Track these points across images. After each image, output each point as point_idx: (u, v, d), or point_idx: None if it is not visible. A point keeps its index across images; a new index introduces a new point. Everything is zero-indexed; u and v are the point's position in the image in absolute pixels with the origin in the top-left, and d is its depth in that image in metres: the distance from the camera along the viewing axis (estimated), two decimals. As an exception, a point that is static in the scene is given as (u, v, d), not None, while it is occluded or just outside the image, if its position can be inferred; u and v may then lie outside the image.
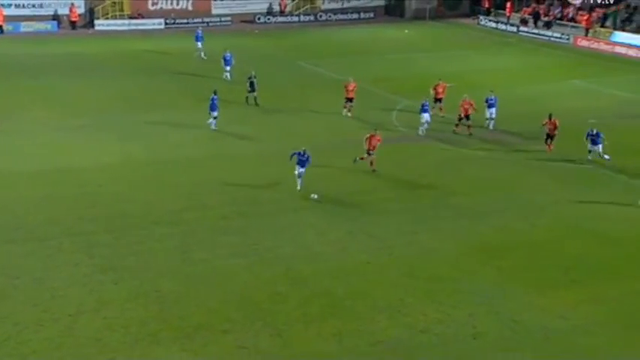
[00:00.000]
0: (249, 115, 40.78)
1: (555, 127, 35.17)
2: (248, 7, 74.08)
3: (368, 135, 33.27)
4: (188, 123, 40.50)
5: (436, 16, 74.90)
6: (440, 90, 40.58)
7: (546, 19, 66.73)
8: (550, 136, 35.35)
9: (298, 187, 30.69)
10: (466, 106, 37.98)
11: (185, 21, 70.78)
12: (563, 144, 36.75)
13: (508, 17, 69.85)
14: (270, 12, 74.30)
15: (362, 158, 33.12)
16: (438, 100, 40.44)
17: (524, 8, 69.47)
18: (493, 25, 70.37)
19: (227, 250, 26.47)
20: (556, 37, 63.31)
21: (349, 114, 40.62)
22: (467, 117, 38.10)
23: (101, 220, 28.61)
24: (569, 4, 66.45)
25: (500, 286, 23.93)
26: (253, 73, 43.17)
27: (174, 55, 58.44)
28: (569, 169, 34.04)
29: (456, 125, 38.54)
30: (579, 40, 61.44)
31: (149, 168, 34.36)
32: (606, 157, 33.69)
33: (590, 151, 34.17)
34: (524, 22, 67.95)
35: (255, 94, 42.75)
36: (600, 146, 33.69)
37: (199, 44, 55.58)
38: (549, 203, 30.34)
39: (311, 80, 50.83)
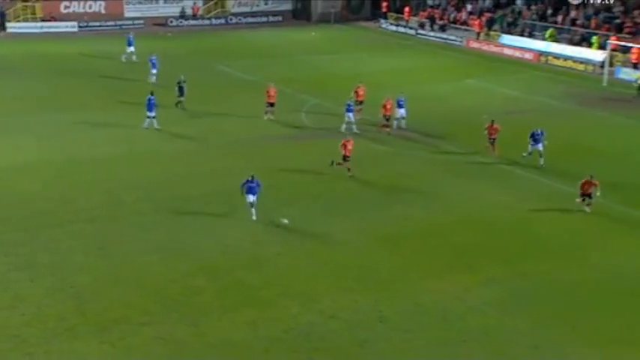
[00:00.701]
0: (171, 116, 39.99)
1: (496, 132, 34.42)
2: (160, 11, 72.88)
3: (342, 141, 32.62)
4: (104, 122, 39.59)
5: (341, 19, 75.35)
6: (361, 92, 40.75)
7: (441, 22, 67.95)
8: (492, 140, 34.48)
9: (254, 218, 27.47)
10: (388, 106, 38.24)
11: (98, 24, 69.12)
12: (462, 139, 37.51)
13: (407, 21, 70.82)
14: (182, 15, 73.27)
15: (339, 164, 32.39)
16: (359, 102, 40.48)
17: (421, 12, 70.53)
18: (393, 28, 71.21)
19: (143, 245, 25.96)
20: (451, 40, 64.51)
21: (272, 117, 40.24)
22: (388, 117, 38.25)
23: (16, 218, 27.64)
24: (462, 8, 67.80)
25: (403, 272, 24.21)
26: (182, 77, 42.24)
27: (89, 57, 57.00)
28: (466, 163, 34.61)
29: (384, 125, 38.57)
30: (471, 42, 62.77)
31: (65, 166, 33.39)
32: (541, 160, 33.07)
33: (530, 152, 33.42)
34: (421, 25, 69.04)
35: (182, 98, 41.81)
36: (541, 145, 32.99)
37: (131, 48, 54.13)
38: (446, 194, 30.83)
39: (224, 81, 50.31)
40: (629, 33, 53.86)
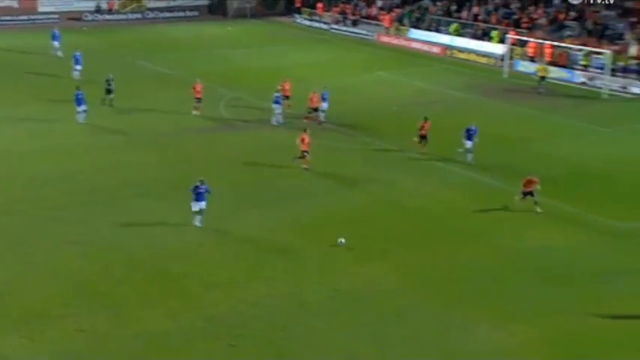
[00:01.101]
0: (94, 111, 38.75)
1: (428, 129, 33.76)
2: (75, 5, 70.57)
3: (300, 136, 32.09)
4: (24, 117, 38.23)
5: (256, 14, 74.77)
6: (287, 87, 40.46)
7: (353, 17, 68.26)
8: (424, 137, 33.47)
9: (198, 224, 25.80)
10: (315, 99, 38.08)
11: (10, 18, 66.51)
12: (376, 129, 37.77)
13: (320, 16, 70.86)
14: (98, 10, 71.23)
15: (300, 158, 31.82)
16: (286, 97, 40.12)
17: (334, 8, 70.67)
18: (307, 23, 71.11)
19: (63, 238, 25.18)
20: (363, 34, 64.87)
21: (196, 112, 39.44)
22: (315, 109, 38.13)
23: None
24: (372, 4, 68.26)
25: (323, 258, 24.20)
26: (111, 76, 40.75)
27: (4, 51, 54.76)
28: (383, 152, 34.82)
29: (306, 116, 38.49)
30: (382, 36, 63.29)
31: (-18, 162, 32.05)
32: (470, 156, 32.49)
33: (465, 149, 32.69)
34: (334, 20, 69.19)
35: (111, 96, 40.24)
36: (471, 142, 32.39)
37: (56, 43, 52.08)
38: (365, 183, 30.97)
39: (144, 76, 49.14)
40: (526, 28, 55.29)
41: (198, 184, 25.73)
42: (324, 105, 38.59)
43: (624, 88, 46.52)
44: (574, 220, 27.24)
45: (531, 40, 52.35)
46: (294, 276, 23.03)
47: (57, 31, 53.01)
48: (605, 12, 52.64)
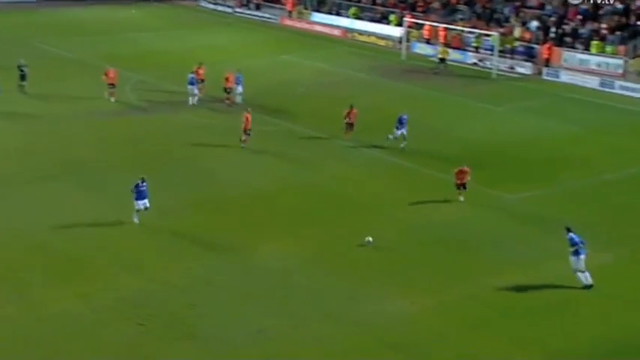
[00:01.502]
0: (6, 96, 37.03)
1: (355, 116, 32.94)
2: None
3: (244, 115, 31.57)
4: None
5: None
6: (201, 72, 39.52)
7: (257, 1, 67.48)
8: (350, 125, 32.65)
9: (136, 221, 24.28)
10: (230, 79, 37.82)
11: None
12: (283, 111, 37.55)
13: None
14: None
15: (243, 140, 31.41)
16: (201, 81, 39.15)
17: (238, -9, 69.67)
18: (212, 6, 69.84)
19: (-34, 224, 23.94)
20: (266, 17, 64.27)
21: (112, 99, 37.97)
22: (230, 89, 37.83)
23: None
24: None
25: (231, 237, 23.87)
26: (23, 61, 38.70)
27: None
28: (289, 134, 34.59)
29: (227, 97, 38.03)
30: (285, 20, 62.89)
31: None
32: (404, 144, 31.75)
33: (395, 137, 31.85)
34: (238, 3, 68.21)
35: (25, 82, 38.23)
36: (403, 131, 31.61)
37: None
38: (265, 161, 30.77)
39: (46, 59, 47.13)
40: (422, 11, 56.08)
41: (139, 182, 24.02)
42: (239, 88, 38.10)
43: (511, 68, 47.94)
44: (469, 194, 27.85)
45: (427, 23, 53.15)
46: (203, 255, 22.65)
47: None
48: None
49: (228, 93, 37.98)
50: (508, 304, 20.44)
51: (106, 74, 38.08)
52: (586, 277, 21.01)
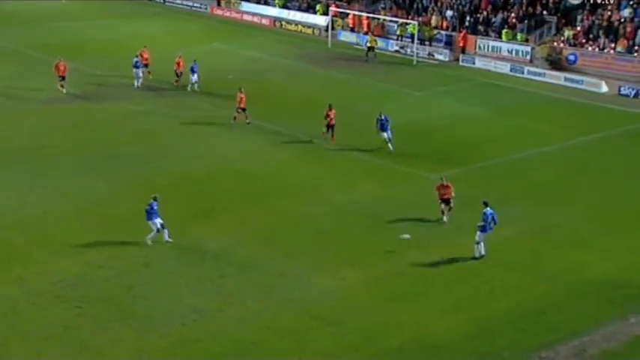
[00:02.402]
0: None
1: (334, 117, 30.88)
2: None
3: (238, 95, 32.21)
4: None
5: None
6: (145, 56, 39.20)
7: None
8: (331, 127, 30.50)
9: (149, 242, 21.79)
10: (180, 63, 38.05)
11: None
12: (214, 95, 37.12)
13: (155, -11, 68.14)
14: None
15: (238, 114, 32.00)
16: (145, 65, 38.84)
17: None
18: (143, -4, 68.19)
19: None
20: (196, 7, 63.14)
21: (64, 90, 36.55)
22: (177, 74, 38.11)
23: None
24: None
25: (167, 219, 23.46)
26: None
27: None
28: (210, 117, 34.30)
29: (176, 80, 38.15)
30: (215, 9, 61.95)
31: None
32: (390, 146, 29.92)
33: (384, 140, 30.15)
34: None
35: None
36: (387, 133, 29.83)
37: None
38: (200, 147, 30.43)
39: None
40: (346, 1, 56.17)
41: (152, 201, 21.80)
42: (195, 77, 37.58)
43: (431, 55, 48.61)
44: (393, 173, 28.23)
45: (351, 12, 53.30)
46: (138, 237, 22.23)
47: None
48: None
49: (178, 76, 38.02)
50: (429, 277, 20.86)
51: (57, 67, 36.72)
52: (479, 251, 21.52)
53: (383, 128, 29.88)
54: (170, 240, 21.87)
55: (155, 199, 21.88)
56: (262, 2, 60.79)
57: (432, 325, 18.48)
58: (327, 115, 30.60)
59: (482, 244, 21.64)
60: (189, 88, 37.61)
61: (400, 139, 30.93)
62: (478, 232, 21.66)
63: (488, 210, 21.70)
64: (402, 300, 19.62)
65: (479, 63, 46.36)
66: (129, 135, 31.42)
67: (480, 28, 48.58)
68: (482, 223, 21.60)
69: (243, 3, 61.35)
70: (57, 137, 30.77)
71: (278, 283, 20.18)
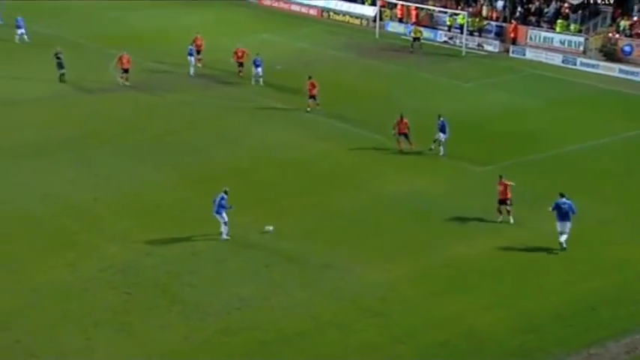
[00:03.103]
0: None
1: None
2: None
3: (308, 82, 32.92)
4: None
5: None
6: (199, 42, 40.30)
7: (237, -18, 66.57)
8: (404, 135, 29.13)
9: (225, 237, 21.71)
10: (240, 54, 38.32)
11: None
12: (255, 87, 37.30)
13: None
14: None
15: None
16: (199, 51, 40.08)
17: (218, -27, 68.58)
18: (193, -14, 68.82)
19: (-43, 198, 23.62)
20: (245, -3, 63.49)
21: (127, 83, 36.79)
22: (241, 64, 38.42)
23: None
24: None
25: (210, 210, 23.76)
26: (59, 49, 37.55)
27: None
28: (260, 107, 34.47)
29: (240, 72, 38.47)
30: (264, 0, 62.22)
31: None
32: (442, 149, 28.64)
33: (438, 141, 28.82)
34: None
35: (64, 70, 36.92)
36: (445, 135, 28.54)
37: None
38: (247, 137, 30.59)
39: (42, 39, 46.33)
40: (395, -8, 55.67)
41: (222, 194, 21.71)
42: (259, 70, 37.30)
43: (480, 46, 47.88)
44: (441, 166, 27.95)
45: (399, 2, 52.82)
46: (187, 226, 22.51)
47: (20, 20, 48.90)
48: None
49: (241, 66, 38.43)
50: (478, 270, 20.60)
51: (120, 59, 36.84)
52: (563, 241, 21.30)
53: (442, 130, 28.71)
54: (227, 238, 21.69)
55: (226, 192, 21.74)
56: (310, -7, 60.68)
57: (478, 319, 18.25)
58: (398, 125, 29.02)
59: (565, 236, 21.18)
60: (253, 82, 37.39)
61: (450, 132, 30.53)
62: (560, 223, 21.31)
63: (560, 201, 21.28)
64: (447, 293, 19.43)
65: (529, 54, 45.48)
66: (179, 124, 31.81)
67: (532, 18, 47.63)
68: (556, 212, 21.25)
69: (291, -7, 61.36)
70: (109, 126, 31.34)
71: (323, 274, 20.19)
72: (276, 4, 60.96)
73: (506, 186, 23.08)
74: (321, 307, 18.59)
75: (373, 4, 54.40)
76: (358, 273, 20.26)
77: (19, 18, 44.77)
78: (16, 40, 44.29)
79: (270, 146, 29.65)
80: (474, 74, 41.95)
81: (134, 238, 21.78)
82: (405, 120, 28.74)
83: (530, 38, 46.67)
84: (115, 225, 22.54)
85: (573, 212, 21.38)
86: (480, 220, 23.56)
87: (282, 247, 21.55)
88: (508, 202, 23.12)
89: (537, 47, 45.76)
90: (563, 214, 21.33)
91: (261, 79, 37.65)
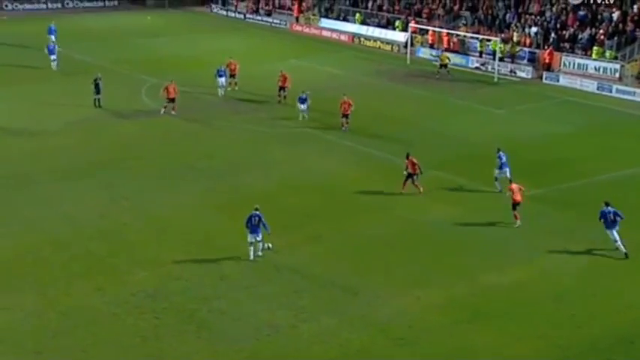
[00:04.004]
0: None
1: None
2: (-6, -6, 67.60)
3: (343, 101, 34.00)
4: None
5: (174, 4, 73.20)
6: (232, 67, 41.05)
7: (267, 8, 67.67)
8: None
9: (251, 257, 22.16)
10: (283, 78, 38.75)
11: None
12: (286, 112, 37.71)
13: (236, 6, 69.97)
14: (16, -1, 68.33)
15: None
16: (232, 75, 40.99)
17: (249, -2, 69.86)
18: (224, 12, 70.11)
19: (-12, 221, 24.21)
20: (276, 23, 64.43)
21: (173, 112, 36.61)
22: (283, 88, 38.91)
23: None
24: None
25: (240, 234, 24.00)
26: (99, 75, 38.34)
27: None
28: (291, 133, 34.84)
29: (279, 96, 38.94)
30: (295, 25, 63.04)
31: None
32: (498, 185, 27.76)
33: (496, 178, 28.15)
34: (250, 10, 68.42)
35: (100, 96, 37.57)
36: (507, 170, 27.91)
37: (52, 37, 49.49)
38: (278, 162, 30.92)
39: (68, 65, 47.49)
40: (426, 17, 56.11)
41: (254, 211, 22.15)
42: (303, 107, 36.14)
43: (513, 72, 47.93)
44: (470, 194, 27.92)
45: (430, 28, 53.20)
46: (215, 251, 22.80)
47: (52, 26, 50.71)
48: (495, 2, 53.93)
49: (283, 91, 38.77)
50: (510, 299, 20.51)
51: (166, 89, 36.33)
52: (620, 247, 22.69)
53: (502, 165, 27.90)
54: (253, 258, 22.15)
55: (257, 209, 22.16)
56: (341, 18, 61.44)
57: (509, 351, 18.16)
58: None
59: (619, 241, 22.57)
60: (300, 117, 36.01)
61: (480, 159, 30.59)
62: (609, 231, 22.71)
63: (607, 209, 22.72)
64: (477, 322, 19.37)
65: (563, 81, 45.40)
66: (208, 149, 32.25)
67: (565, 45, 47.59)
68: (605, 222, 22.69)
69: (322, 19, 62.15)
70: (138, 150, 31.88)
71: (352, 301, 20.26)
72: (307, 30, 61.76)
73: (519, 189, 24.85)
74: (350, 335, 18.65)
75: (404, 30, 54.86)
76: (387, 300, 20.31)
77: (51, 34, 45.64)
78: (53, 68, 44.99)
79: (299, 171, 29.92)
80: (507, 101, 41.96)
81: (163, 262, 22.10)
82: (412, 159, 27.38)
83: (564, 64, 46.62)
84: (143, 249, 22.90)
85: (621, 217, 22.76)
86: (512, 248, 23.49)
87: (312, 273, 21.69)
88: (517, 207, 24.65)
89: (571, 74, 45.68)
90: (609, 222, 22.57)
91: (306, 115, 36.29)
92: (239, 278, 21.35)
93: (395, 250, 23.35)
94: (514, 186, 24.98)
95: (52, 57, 45.07)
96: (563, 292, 20.86)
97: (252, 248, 22.19)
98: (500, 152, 28.40)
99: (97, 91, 37.60)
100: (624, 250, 22.68)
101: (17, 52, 49.80)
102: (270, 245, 22.44)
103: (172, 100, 36.51)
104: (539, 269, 22.06)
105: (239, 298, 20.31)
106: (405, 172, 27.54)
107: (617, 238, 22.74)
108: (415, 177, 27.40)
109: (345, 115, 33.98)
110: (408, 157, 27.55)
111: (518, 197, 24.64)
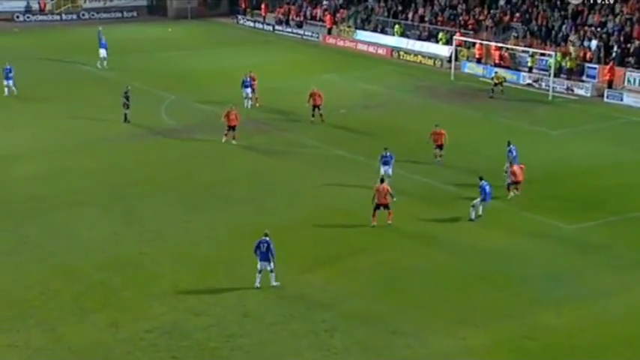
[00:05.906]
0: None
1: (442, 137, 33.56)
2: (5, 5, 69.46)
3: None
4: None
5: (198, 15, 74.44)
6: (254, 82, 42.08)
7: (298, 19, 68.45)
8: (439, 146, 33.45)
9: (257, 285, 22.50)
10: (313, 96, 39.20)
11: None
12: (317, 133, 37.93)
13: (264, 17, 70.88)
14: (29, 10, 70.06)
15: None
16: (254, 90, 41.91)
17: (278, 9, 70.75)
18: (251, 24, 71.08)
19: (-5, 249, 24.66)
20: (307, 35, 65.07)
21: (234, 141, 36.03)
22: (316, 107, 39.28)
23: None
24: (318, 5, 68.41)
25: (267, 265, 24.19)
26: (129, 87, 39.36)
27: None
28: (322, 156, 35.00)
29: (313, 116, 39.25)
30: (327, 38, 63.59)
31: None
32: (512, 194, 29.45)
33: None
34: (279, 21, 69.26)
35: (129, 111, 38.36)
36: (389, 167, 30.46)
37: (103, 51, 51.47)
38: (307, 187, 31.06)
39: (80, 77, 48.49)
40: (472, 29, 56.21)
41: (263, 237, 22.60)
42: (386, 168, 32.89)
43: (569, 89, 47.68)
44: (525, 222, 27.73)
45: (477, 41, 53.22)
46: (239, 284, 22.90)
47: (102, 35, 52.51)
48: (550, 13, 53.82)
49: (315, 109, 39.25)
50: (566, 343, 20.25)
51: (227, 116, 36.06)
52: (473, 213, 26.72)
53: (514, 160, 29.88)
54: (277, 284, 22.58)
55: (266, 234, 22.62)
56: (379, 30, 61.82)
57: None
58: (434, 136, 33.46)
59: (476, 208, 26.36)
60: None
61: (534, 184, 30.40)
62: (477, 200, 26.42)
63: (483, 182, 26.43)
64: (531, 368, 19.15)
65: (627, 99, 45.00)
66: (230, 172, 32.52)
67: (630, 59, 47.22)
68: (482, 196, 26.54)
69: (357, 31, 62.60)
70: (159, 173, 32.27)
71: (389, 341, 20.18)
72: (341, 43, 62.24)
73: (521, 169, 28.52)
74: (387, 379, 18.57)
75: (448, 43, 54.98)
76: (428, 341, 20.19)
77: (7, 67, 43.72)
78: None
79: (331, 197, 30.01)
80: (563, 121, 41.72)
81: (182, 296, 22.26)
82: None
83: (629, 81, 46.23)
84: (161, 281, 23.09)
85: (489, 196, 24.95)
86: (570, 284, 23.22)
87: (346, 310, 21.66)
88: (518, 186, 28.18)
89: (637, 92, 45.25)
90: None
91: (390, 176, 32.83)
92: (264, 314, 21.41)
93: (438, 285, 23.24)
94: (516, 168, 28.39)
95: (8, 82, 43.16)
96: (628, 336, 20.50)
97: (259, 276, 22.41)
98: (512, 146, 30.03)
99: (126, 105, 38.37)
100: (471, 217, 25.50)
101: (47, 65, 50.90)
102: (277, 284, 22.53)
103: (233, 128, 35.93)
104: (599, 309, 21.74)
105: (264, 336, 20.35)
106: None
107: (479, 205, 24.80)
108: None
109: (440, 146, 33.30)
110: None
111: (520, 177, 28.20)
